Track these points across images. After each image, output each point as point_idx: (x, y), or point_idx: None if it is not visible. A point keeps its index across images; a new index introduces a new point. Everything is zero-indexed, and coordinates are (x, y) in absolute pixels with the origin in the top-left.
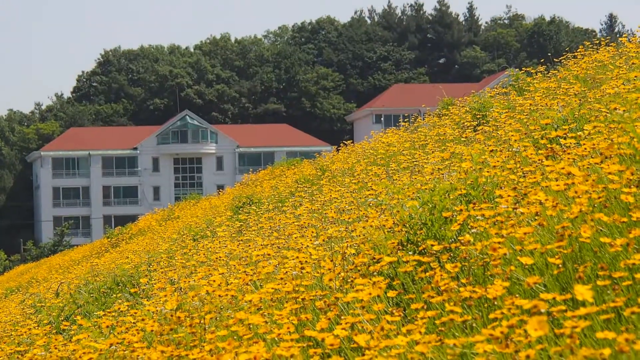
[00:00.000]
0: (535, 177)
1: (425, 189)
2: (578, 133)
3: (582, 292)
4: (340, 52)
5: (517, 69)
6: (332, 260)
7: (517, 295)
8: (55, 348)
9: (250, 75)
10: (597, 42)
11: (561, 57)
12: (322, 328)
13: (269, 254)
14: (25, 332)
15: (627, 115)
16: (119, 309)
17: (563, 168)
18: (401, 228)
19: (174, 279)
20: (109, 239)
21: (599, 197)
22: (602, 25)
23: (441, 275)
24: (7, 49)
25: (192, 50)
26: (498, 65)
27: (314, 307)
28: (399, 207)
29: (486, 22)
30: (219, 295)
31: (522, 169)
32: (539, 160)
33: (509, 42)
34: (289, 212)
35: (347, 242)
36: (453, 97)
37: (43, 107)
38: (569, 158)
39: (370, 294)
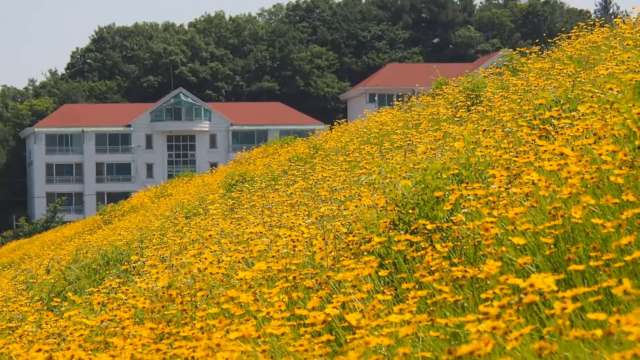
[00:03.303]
0: (528, 157)
1: (418, 168)
2: (571, 114)
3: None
4: (335, 30)
5: (511, 49)
6: (324, 239)
7: (509, 275)
8: (47, 324)
9: (244, 54)
10: (592, 23)
11: (555, 38)
12: (313, 307)
13: (261, 232)
14: (16, 308)
15: (621, 95)
16: (110, 285)
17: (554, 149)
18: (393, 207)
19: (166, 256)
20: (101, 216)
21: (592, 178)
22: (596, 6)
23: (432, 255)
24: (1, 25)
25: (186, 27)
26: (492, 46)
27: (305, 285)
28: (391, 186)
29: (481, 2)
30: (211, 273)
31: (515, 148)
32: (532, 140)
33: (503, 23)
34: (281, 191)
35: (339, 220)
36: (447, 76)
37: (37, 84)
38: (562, 139)
39: (358, 275)
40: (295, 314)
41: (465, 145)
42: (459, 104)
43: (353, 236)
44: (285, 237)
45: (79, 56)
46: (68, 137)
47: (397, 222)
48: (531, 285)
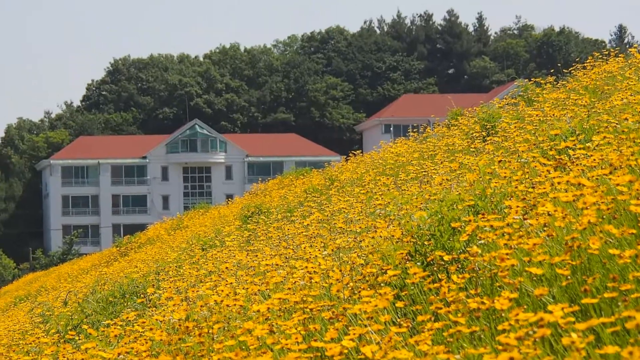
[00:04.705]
0: (544, 188)
1: (434, 199)
2: (587, 144)
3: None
4: (350, 61)
5: (526, 80)
6: (340, 271)
7: (524, 307)
8: (64, 357)
9: (259, 85)
10: (607, 52)
11: (570, 68)
12: (330, 338)
13: (277, 264)
14: (33, 341)
15: (636, 125)
16: (127, 318)
17: (570, 180)
18: (409, 239)
19: (183, 289)
20: (117, 248)
21: (608, 209)
22: (611, 36)
23: (449, 286)
24: (17, 57)
25: (201, 59)
26: (507, 76)
27: (322, 317)
28: (407, 217)
29: (495, 33)
30: (227, 305)
31: (530, 179)
32: (547, 171)
33: (518, 53)
34: (297, 222)
35: (355, 252)
36: (462, 107)
37: (53, 116)
38: (578, 169)
39: (376, 306)
40: (312, 346)
41: (480, 177)
42: (474, 134)
43: (370, 267)
44: (302, 269)
45: (94, 88)
46: (84, 169)
47: (414, 254)
48: (542, 319)
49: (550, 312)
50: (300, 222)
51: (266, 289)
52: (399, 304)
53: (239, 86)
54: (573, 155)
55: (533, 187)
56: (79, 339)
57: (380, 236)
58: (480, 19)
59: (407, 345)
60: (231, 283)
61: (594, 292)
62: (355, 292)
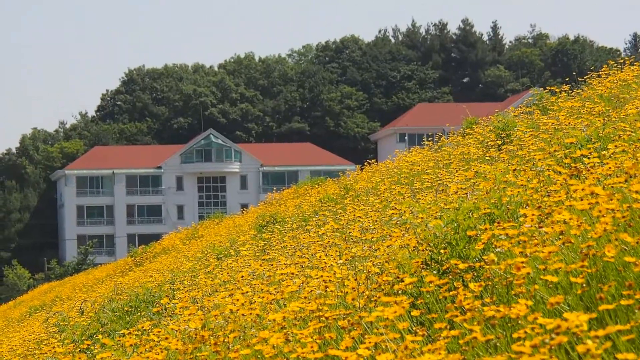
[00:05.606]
0: (559, 196)
1: (450, 208)
2: (602, 152)
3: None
4: (364, 71)
5: (541, 88)
6: (356, 279)
7: (540, 314)
8: None
9: (274, 94)
10: (622, 61)
11: (585, 77)
12: (346, 347)
13: (292, 273)
14: (49, 350)
15: None
16: (142, 327)
17: (585, 188)
18: (425, 247)
19: (198, 298)
20: (132, 258)
21: (624, 216)
22: (626, 44)
23: (465, 294)
24: (31, 67)
25: (216, 69)
26: (522, 85)
27: (338, 326)
28: (422, 226)
29: (510, 42)
30: (243, 314)
31: (546, 188)
32: (562, 179)
33: (533, 61)
34: (312, 231)
35: (371, 261)
36: (477, 116)
37: (67, 126)
38: (593, 177)
39: (395, 312)
40: (328, 354)
41: (495, 185)
42: (489, 143)
43: (386, 276)
44: (317, 278)
45: (109, 98)
46: (99, 179)
47: (429, 262)
48: (559, 326)
49: (566, 320)
50: (316, 231)
51: (282, 298)
52: (415, 313)
53: (253, 96)
54: (588, 163)
55: (548, 195)
56: (95, 349)
57: (396, 245)
58: (494, 28)
59: (423, 354)
60: (246, 292)
61: (609, 299)
62: (371, 300)
